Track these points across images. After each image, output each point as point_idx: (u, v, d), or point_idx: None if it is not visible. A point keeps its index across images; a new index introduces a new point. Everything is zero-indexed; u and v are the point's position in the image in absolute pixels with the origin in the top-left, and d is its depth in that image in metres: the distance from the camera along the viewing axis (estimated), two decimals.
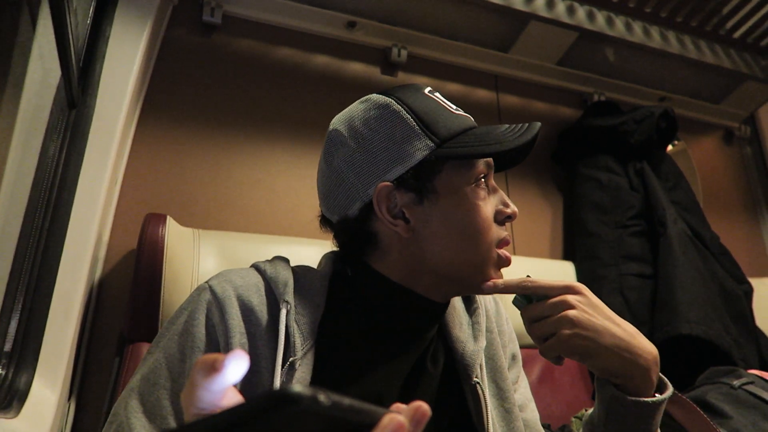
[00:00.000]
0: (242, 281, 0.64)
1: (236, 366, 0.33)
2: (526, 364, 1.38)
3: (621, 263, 1.53)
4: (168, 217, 1.09)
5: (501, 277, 0.67)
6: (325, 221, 0.72)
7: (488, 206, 0.66)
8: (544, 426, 0.96)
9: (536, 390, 1.32)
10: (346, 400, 0.26)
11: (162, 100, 1.34)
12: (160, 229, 1.05)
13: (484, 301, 0.78)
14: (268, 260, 0.70)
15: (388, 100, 0.66)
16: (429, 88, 0.69)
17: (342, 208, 0.67)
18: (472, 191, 0.65)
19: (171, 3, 1.36)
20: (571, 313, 0.60)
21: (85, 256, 0.98)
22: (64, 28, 0.83)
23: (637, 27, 1.75)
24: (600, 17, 1.69)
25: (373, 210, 0.64)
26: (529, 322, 0.64)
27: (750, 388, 1.11)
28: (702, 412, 1.00)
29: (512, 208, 0.67)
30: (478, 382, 0.67)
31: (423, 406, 0.31)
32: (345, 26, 1.57)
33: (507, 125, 0.67)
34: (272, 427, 0.25)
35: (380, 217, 0.64)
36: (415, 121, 0.64)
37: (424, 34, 1.65)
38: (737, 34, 1.85)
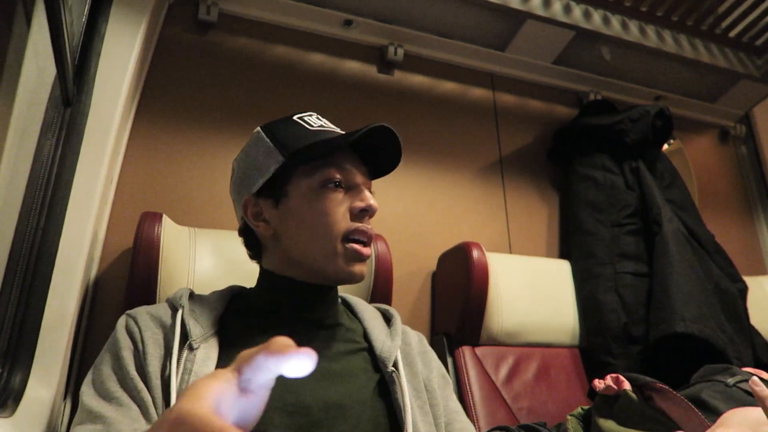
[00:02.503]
0: (152, 307, 0.78)
1: (301, 360, 0.32)
2: (522, 362, 1.38)
3: (616, 261, 1.53)
4: (164, 215, 1.08)
5: (356, 270, 0.76)
6: None
7: (335, 204, 0.76)
8: (539, 424, 0.96)
9: (532, 388, 1.32)
10: None
11: (158, 98, 1.34)
12: (156, 227, 1.04)
13: (406, 331, 0.88)
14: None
15: (258, 129, 0.82)
16: (302, 115, 0.82)
17: (239, 218, 0.84)
18: (318, 192, 0.76)
19: (167, 0, 1.35)
20: None
21: (81, 254, 0.97)
22: (59, 26, 0.82)
23: (633, 26, 1.75)
24: (596, 16, 1.70)
25: None
26: None
27: (744, 386, 1.11)
28: (696, 410, 1.00)
29: (366, 201, 0.76)
30: (394, 371, 0.76)
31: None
32: (341, 24, 1.57)
33: (356, 131, 0.75)
34: None
35: (247, 221, 0.80)
36: (272, 142, 0.78)
37: (421, 32, 1.65)
38: (733, 33, 1.86)
